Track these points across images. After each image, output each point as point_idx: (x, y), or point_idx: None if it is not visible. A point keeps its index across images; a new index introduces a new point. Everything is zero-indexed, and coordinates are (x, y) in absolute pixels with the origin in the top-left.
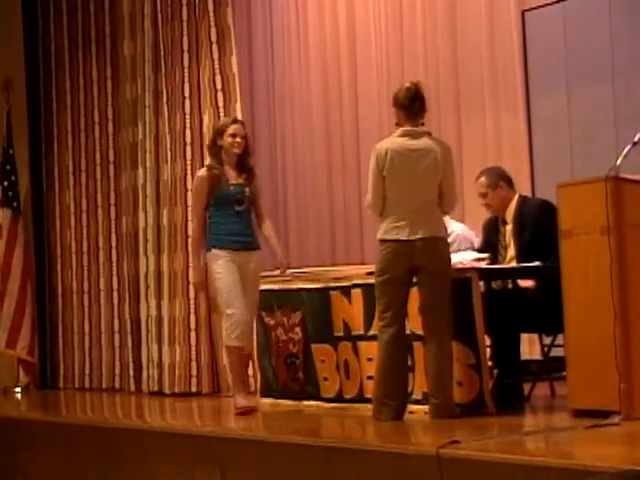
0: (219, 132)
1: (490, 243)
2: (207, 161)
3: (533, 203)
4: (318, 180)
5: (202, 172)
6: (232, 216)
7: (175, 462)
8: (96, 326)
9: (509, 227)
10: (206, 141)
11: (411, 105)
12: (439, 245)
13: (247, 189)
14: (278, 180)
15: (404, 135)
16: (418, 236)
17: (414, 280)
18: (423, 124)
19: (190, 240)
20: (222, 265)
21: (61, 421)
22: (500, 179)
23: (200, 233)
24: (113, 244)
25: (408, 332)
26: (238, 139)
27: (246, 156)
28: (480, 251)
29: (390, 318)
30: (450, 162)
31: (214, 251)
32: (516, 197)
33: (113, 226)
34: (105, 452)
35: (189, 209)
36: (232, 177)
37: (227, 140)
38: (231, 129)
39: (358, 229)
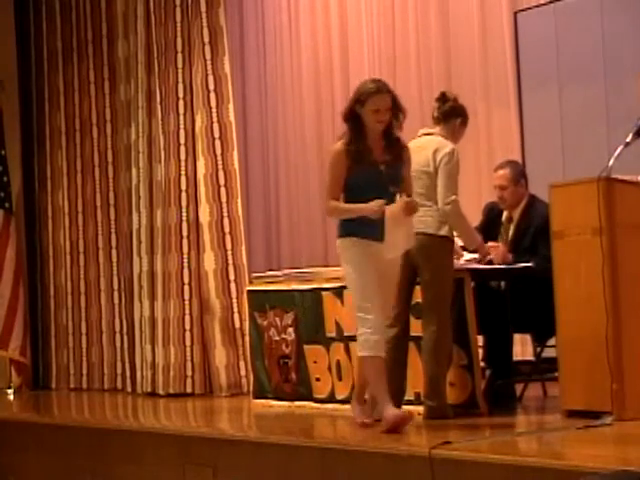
0: (359, 101)
1: (488, 228)
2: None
3: (540, 210)
4: (310, 181)
5: (338, 145)
6: (385, 198)
7: (166, 462)
8: (92, 327)
9: (513, 226)
10: (199, 142)
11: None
12: (434, 243)
13: (397, 168)
14: (270, 181)
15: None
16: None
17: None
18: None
19: (327, 214)
20: (359, 257)
21: (53, 422)
22: (522, 176)
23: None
24: (106, 245)
25: None
26: (383, 114)
27: (393, 127)
28: (477, 230)
29: (393, 319)
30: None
31: (351, 239)
32: (527, 196)
33: (106, 227)
34: (97, 453)
35: (183, 210)
36: (379, 154)
37: (369, 114)
38: (374, 102)
39: None
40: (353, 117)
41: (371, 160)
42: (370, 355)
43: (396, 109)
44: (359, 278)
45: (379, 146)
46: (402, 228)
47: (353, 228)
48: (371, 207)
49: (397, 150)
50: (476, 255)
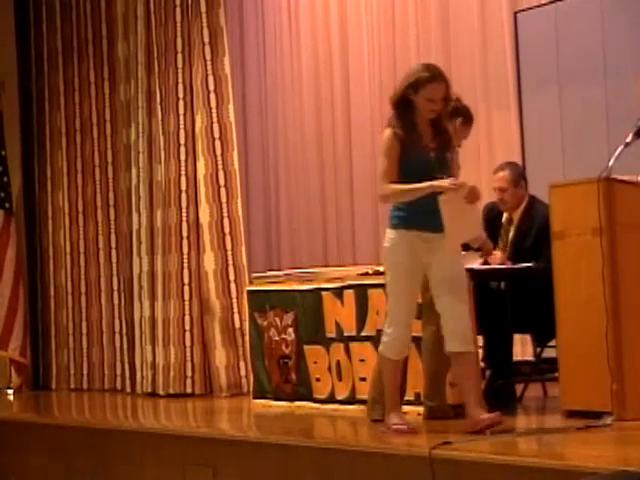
0: (412, 87)
1: (488, 229)
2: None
3: (541, 211)
4: (310, 180)
5: (388, 131)
6: None
7: (166, 463)
8: (92, 327)
9: (513, 228)
10: (199, 143)
11: None
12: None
13: (445, 155)
14: (270, 181)
15: None
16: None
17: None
18: None
19: (384, 198)
20: (404, 257)
21: (53, 422)
22: (522, 178)
23: None
24: (106, 245)
25: None
26: (437, 104)
27: (443, 116)
28: None
29: None
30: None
31: (399, 231)
32: (527, 198)
33: (107, 227)
34: (97, 453)
35: (183, 210)
36: (428, 140)
37: (422, 103)
38: (429, 91)
39: (350, 230)
40: (404, 103)
41: (421, 147)
42: (390, 358)
43: (448, 98)
44: (397, 278)
45: (428, 133)
46: (464, 216)
47: (408, 218)
48: (444, 182)
49: (445, 138)
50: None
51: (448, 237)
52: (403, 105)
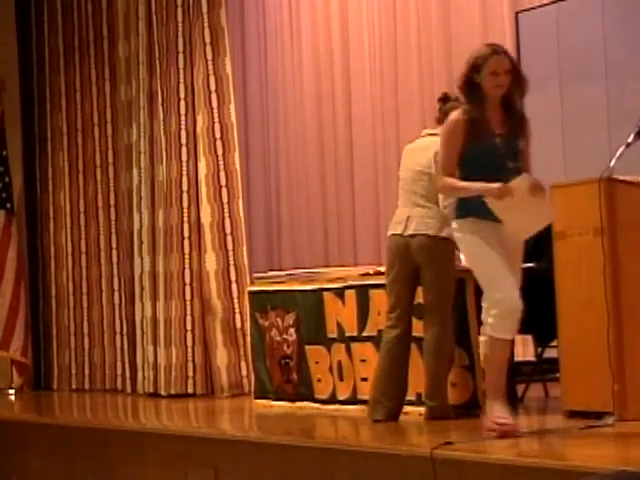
0: (475, 68)
1: None
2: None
3: None
4: (311, 181)
5: (456, 115)
6: (502, 176)
7: (168, 463)
8: (93, 327)
9: None
10: (200, 143)
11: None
12: (436, 245)
13: (516, 142)
14: (271, 181)
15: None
16: (410, 232)
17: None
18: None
19: (440, 191)
20: (480, 238)
21: (55, 423)
22: None
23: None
24: (108, 245)
25: None
26: (502, 77)
27: (513, 95)
28: None
29: (395, 319)
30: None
31: (472, 220)
32: None
33: (108, 227)
34: (99, 453)
35: (184, 210)
36: (497, 126)
37: (486, 79)
38: (491, 64)
39: (351, 230)
40: (470, 86)
41: (488, 132)
42: (498, 337)
43: (516, 73)
44: (484, 256)
45: (498, 117)
46: (530, 208)
47: (473, 208)
48: (492, 188)
49: (517, 122)
50: None
51: (509, 230)
52: (469, 88)
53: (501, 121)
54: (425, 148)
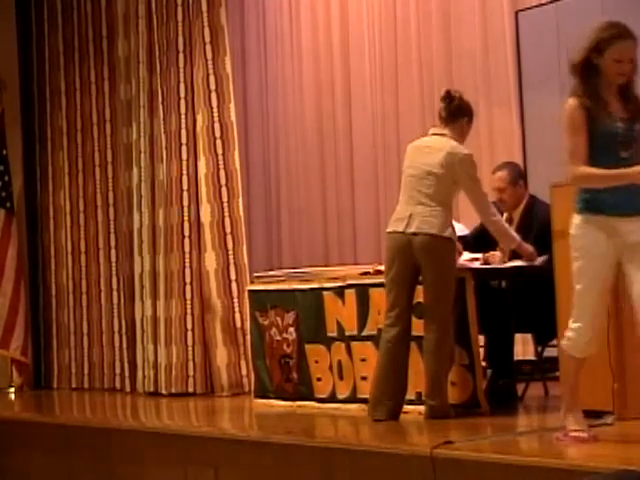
0: (597, 49)
1: (483, 235)
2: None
3: (542, 208)
4: (311, 180)
5: (571, 101)
6: (613, 166)
7: (168, 462)
8: (93, 326)
9: (513, 227)
10: (200, 142)
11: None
12: (438, 244)
13: (633, 127)
14: (271, 180)
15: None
16: (412, 230)
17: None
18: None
19: (573, 181)
20: (592, 250)
21: (55, 422)
22: (520, 176)
23: None
24: (107, 244)
25: None
26: (625, 66)
27: (632, 82)
28: (469, 240)
29: (394, 318)
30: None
31: (592, 218)
32: (526, 197)
33: (108, 226)
34: (99, 452)
35: (184, 209)
36: (616, 109)
37: (609, 64)
38: (615, 51)
39: (351, 230)
40: (587, 67)
41: (608, 117)
42: (574, 356)
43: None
44: (582, 265)
45: (615, 101)
46: None
47: (600, 201)
48: (637, 173)
49: (635, 107)
50: (476, 255)
51: None
52: (587, 70)
53: (620, 104)
54: (433, 147)
